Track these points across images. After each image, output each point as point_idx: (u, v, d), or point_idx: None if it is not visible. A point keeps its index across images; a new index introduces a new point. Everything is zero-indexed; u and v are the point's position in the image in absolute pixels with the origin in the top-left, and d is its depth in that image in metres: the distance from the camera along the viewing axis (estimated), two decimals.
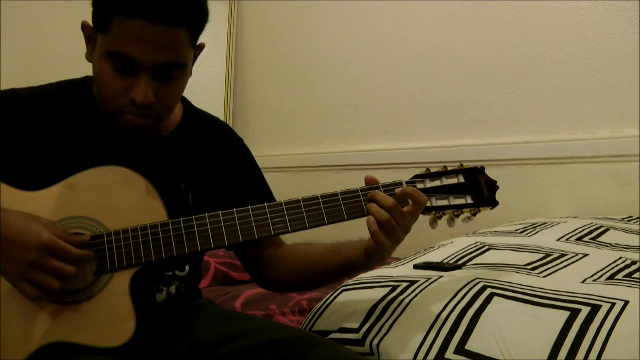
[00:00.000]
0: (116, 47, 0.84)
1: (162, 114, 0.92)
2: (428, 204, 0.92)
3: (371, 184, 0.93)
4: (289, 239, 1.04)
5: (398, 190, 0.90)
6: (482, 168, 0.97)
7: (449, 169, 0.96)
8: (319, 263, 1.00)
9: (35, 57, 2.32)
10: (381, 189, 0.91)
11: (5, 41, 2.21)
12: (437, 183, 0.95)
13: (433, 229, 0.95)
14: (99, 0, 0.84)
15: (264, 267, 1.07)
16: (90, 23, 0.89)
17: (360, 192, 0.91)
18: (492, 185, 0.96)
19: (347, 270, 0.99)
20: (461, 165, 0.97)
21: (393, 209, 0.88)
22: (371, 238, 0.90)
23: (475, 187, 0.95)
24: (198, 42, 0.94)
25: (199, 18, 0.88)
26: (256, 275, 1.10)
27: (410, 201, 0.90)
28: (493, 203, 0.96)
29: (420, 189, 0.92)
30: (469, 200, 0.95)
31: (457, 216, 0.94)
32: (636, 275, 1.01)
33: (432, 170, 0.96)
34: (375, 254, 0.91)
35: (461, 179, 0.95)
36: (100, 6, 0.84)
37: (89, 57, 0.92)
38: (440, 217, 0.94)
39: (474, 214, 0.95)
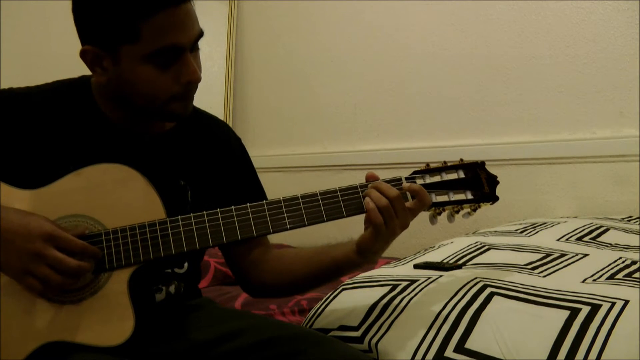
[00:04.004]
0: (156, 45, 0.86)
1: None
2: (430, 203, 0.92)
3: (371, 180, 0.92)
4: (287, 238, 1.04)
5: (406, 185, 0.90)
6: (483, 163, 0.96)
7: (449, 164, 0.95)
8: (308, 264, 1.00)
9: (35, 57, 2.32)
10: None
11: (5, 41, 2.20)
12: (437, 179, 0.94)
13: (433, 224, 0.94)
14: (118, 14, 0.84)
15: (251, 269, 1.06)
16: (92, 46, 0.88)
17: (359, 189, 0.91)
18: (493, 181, 0.96)
19: (337, 270, 0.97)
20: (461, 160, 0.96)
21: (395, 199, 0.87)
22: (365, 223, 0.89)
23: (476, 183, 0.95)
24: None
25: None
26: (242, 278, 1.08)
27: (410, 198, 0.89)
28: (494, 198, 0.95)
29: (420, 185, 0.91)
30: (469, 196, 0.94)
31: (458, 212, 0.94)
32: (636, 275, 1.01)
33: (432, 165, 0.95)
34: (369, 246, 0.90)
35: (461, 175, 0.95)
36: (121, 19, 0.84)
37: (104, 77, 0.91)
38: (440, 213, 0.94)
39: (475, 210, 0.94)
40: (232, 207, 0.90)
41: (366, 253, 0.92)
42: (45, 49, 2.33)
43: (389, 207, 0.87)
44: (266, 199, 1.07)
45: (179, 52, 0.88)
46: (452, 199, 0.93)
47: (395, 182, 0.92)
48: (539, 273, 1.05)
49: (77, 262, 0.83)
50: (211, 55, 2.63)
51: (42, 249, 0.81)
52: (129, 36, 0.85)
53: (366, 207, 0.88)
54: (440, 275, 1.07)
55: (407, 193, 0.90)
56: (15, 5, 2.27)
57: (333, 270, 0.98)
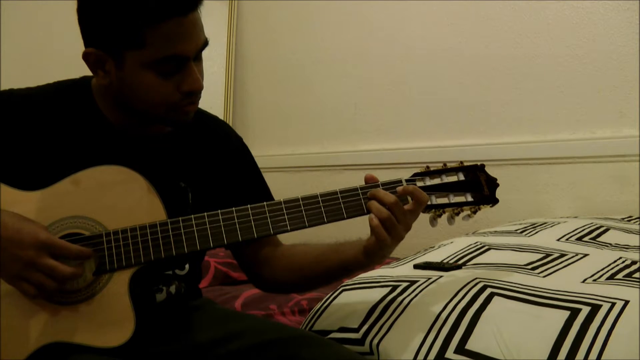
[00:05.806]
0: (160, 53, 0.85)
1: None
2: (428, 202, 0.92)
3: (371, 182, 0.92)
4: (288, 239, 1.04)
5: (400, 188, 0.90)
6: (482, 166, 0.97)
7: (449, 166, 0.96)
8: (317, 262, 1.00)
9: (35, 57, 2.32)
10: (381, 188, 0.91)
11: (5, 41, 2.21)
12: (437, 181, 0.94)
13: (433, 227, 0.95)
14: (125, 19, 0.84)
15: (261, 267, 1.06)
16: (95, 49, 0.88)
17: (359, 191, 0.91)
18: (493, 183, 0.96)
19: (345, 270, 0.98)
20: (461, 163, 0.97)
21: (394, 206, 0.88)
22: (371, 235, 0.89)
23: (476, 185, 0.95)
24: None
25: None
26: (253, 275, 1.09)
27: (410, 199, 0.90)
28: (493, 201, 0.96)
29: (420, 187, 0.92)
30: (469, 198, 0.94)
31: (458, 214, 0.94)
32: (636, 275, 1.01)
33: (432, 168, 0.95)
34: (375, 251, 0.91)
35: (461, 177, 0.95)
36: (128, 24, 0.84)
37: (106, 80, 0.91)
38: (440, 215, 0.94)
39: (475, 212, 0.95)
40: (233, 208, 0.90)
41: (374, 257, 0.93)
42: (45, 49, 2.34)
43: (390, 217, 0.88)
44: (272, 197, 1.07)
45: (183, 61, 0.88)
46: (452, 201, 0.94)
47: (396, 184, 0.92)
48: (539, 273, 1.05)
49: (71, 268, 0.83)
50: (211, 55, 2.62)
51: (35, 257, 0.81)
52: (134, 42, 0.84)
53: (370, 224, 0.89)
54: (441, 276, 1.07)
55: (408, 197, 0.90)
56: (15, 5, 2.28)
57: (341, 270, 0.98)
